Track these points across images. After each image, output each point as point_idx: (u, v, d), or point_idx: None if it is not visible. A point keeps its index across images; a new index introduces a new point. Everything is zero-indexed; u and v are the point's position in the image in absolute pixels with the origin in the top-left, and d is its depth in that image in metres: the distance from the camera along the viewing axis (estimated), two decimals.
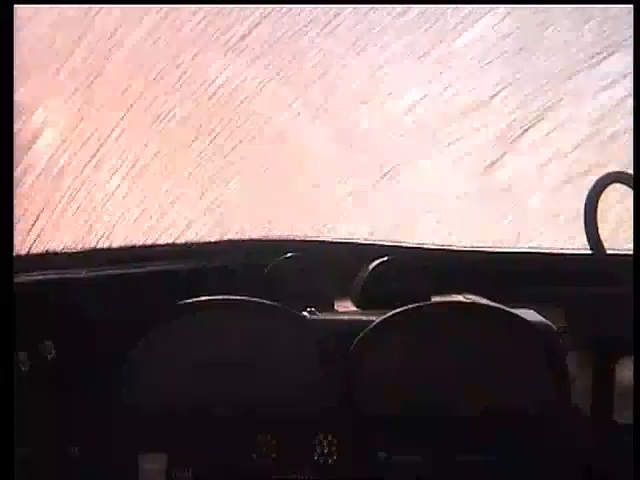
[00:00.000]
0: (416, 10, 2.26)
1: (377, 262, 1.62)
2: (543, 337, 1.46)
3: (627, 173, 1.50)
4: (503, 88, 2.24)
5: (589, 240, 1.51)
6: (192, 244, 1.90)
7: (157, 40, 2.32)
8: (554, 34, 2.26)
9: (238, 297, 1.46)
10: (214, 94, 2.29)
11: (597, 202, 1.50)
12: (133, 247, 1.90)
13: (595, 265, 1.55)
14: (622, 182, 1.47)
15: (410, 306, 1.46)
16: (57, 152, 2.22)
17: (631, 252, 1.44)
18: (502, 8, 2.24)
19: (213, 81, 2.28)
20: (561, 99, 2.23)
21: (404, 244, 1.89)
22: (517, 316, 1.47)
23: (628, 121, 2.06)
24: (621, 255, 1.68)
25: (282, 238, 1.91)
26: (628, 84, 2.13)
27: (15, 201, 1.74)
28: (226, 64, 2.28)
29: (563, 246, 1.91)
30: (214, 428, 1.43)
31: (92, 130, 2.26)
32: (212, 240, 1.92)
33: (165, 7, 2.30)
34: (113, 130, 2.26)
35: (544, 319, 1.49)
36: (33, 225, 2.03)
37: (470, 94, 2.28)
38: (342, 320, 1.53)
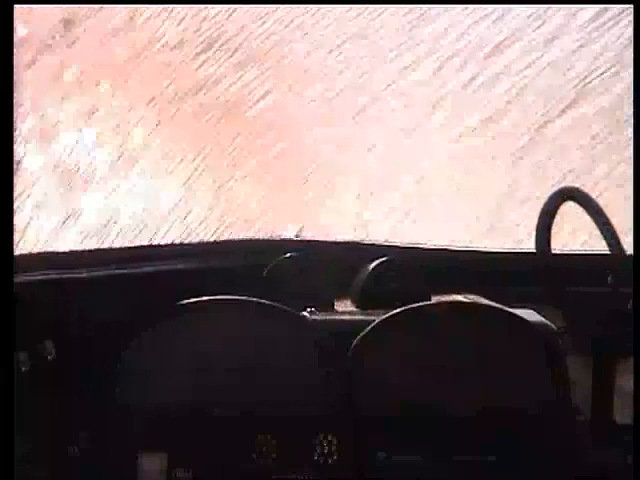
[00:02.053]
0: None
1: (377, 262, 1.62)
2: (543, 337, 1.46)
3: (581, 190, 1.48)
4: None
5: (538, 258, 1.49)
6: (192, 244, 1.90)
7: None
8: None
9: (238, 297, 1.46)
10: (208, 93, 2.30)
11: (552, 220, 1.48)
12: (133, 247, 1.90)
13: (595, 265, 1.55)
14: (575, 200, 1.45)
15: (410, 306, 1.46)
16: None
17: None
18: None
19: (212, 82, 2.29)
20: None
21: (404, 244, 1.88)
22: (517, 316, 1.46)
23: None
24: (618, 255, 1.68)
25: (282, 238, 1.91)
26: None
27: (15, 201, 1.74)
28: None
29: (563, 246, 1.91)
30: (214, 428, 1.43)
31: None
32: (212, 240, 1.92)
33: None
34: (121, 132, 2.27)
35: (544, 319, 1.49)
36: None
37: None
38: (342, 320, 1.53)
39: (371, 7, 2.41)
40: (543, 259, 1.49)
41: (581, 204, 1.44)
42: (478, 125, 2.40)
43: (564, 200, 1.47)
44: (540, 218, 1.49)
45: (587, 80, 2.39)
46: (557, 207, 1.47)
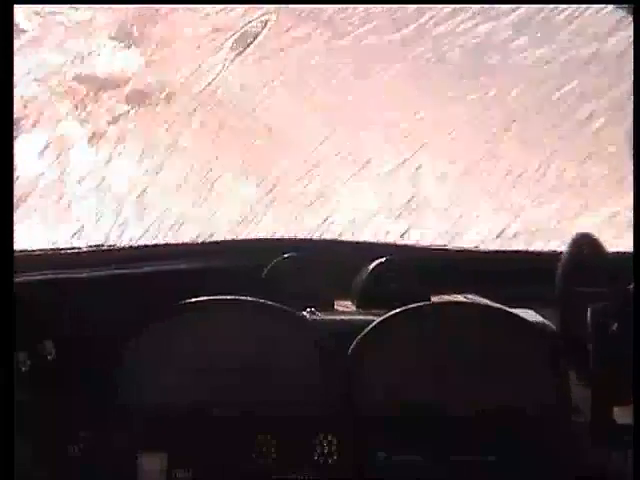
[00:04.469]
0: None
1: (377, 262, 1.62)
2: (542, 337, 1.46)
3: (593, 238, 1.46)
4: None
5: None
6: (192, 244, 1.90)
7: None
8: None
9: (238, 297, 1.46)
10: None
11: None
12: (133, 247, 1.90)
13: (595, 265, 1.55)
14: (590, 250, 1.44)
15: (410, 306, 1.46)
16: None
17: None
18: None
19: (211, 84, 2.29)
20: None
21: (404, 244, 1.88)
22: (517, 316, 1.47)
23: None
24: (620, 255, 1.68)
25: (282, 238, 1.91)
26: None
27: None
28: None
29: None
30: (214, 428, 1.43)
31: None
32: (212, 240, 1.92)
33: None
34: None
35: (544, 319, 1.50)
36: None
37: None
38: (342, 320, 1.54)
39: None
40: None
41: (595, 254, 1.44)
42: None
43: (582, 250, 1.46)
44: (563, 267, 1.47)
45: None
46: (580, 257, 1.46)
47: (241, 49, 2.27)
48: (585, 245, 1.45)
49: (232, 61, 2.28)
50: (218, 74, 2.27)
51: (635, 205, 1.38)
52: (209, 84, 2.28)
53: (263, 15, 2.28)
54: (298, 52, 2.39)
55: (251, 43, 2.25)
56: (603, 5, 2.28)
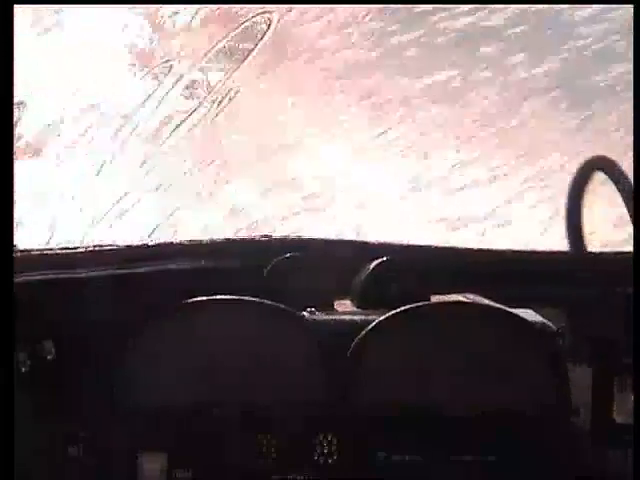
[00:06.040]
0: None
1: (377, 262, 1.62)
2: (542, 337, 1.46)
3: (609, 159, 1.40)
4: None
5: (569, 237, 1.42)
6: (192, 244, 1.89)
7: None
8: None
9: (238, 297, 1.46)
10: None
11: (582, 194, 1.41)
12: (133, 247, 1.89)
13: (596, 265, 1.55)
14: (604, 171, 1.38)
15: (410, 306, 1.46)
16: None
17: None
18: None
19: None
20: None
21: (404, 244, 1.88)
22: (517, 316, 1.47)
23: None
24: (620, 254, 1.68)
25: (282, 238, 1.90)
26: None
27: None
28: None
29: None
30: (214, 428, 1.43)
31: None
32: (212, 240, 1.91)
33: None
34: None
35: (543, 319, 1.49)
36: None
37: None
38: (342, 320, 1.53)
39: None
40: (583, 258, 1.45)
41: (610, 176, 1.37)
42: None
43: (594, 170, 1.40)
44: (571, 190, 1.42)
45: None
46: (588, 178, 1.40)
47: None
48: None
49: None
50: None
51: (635, 205, 1.37)
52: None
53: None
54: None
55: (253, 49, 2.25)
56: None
